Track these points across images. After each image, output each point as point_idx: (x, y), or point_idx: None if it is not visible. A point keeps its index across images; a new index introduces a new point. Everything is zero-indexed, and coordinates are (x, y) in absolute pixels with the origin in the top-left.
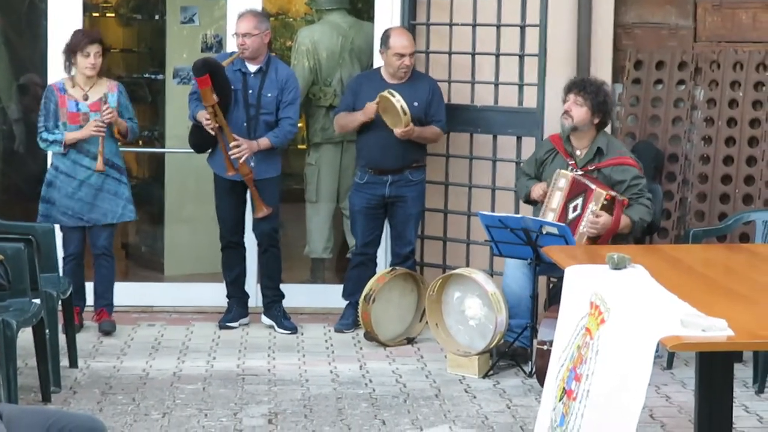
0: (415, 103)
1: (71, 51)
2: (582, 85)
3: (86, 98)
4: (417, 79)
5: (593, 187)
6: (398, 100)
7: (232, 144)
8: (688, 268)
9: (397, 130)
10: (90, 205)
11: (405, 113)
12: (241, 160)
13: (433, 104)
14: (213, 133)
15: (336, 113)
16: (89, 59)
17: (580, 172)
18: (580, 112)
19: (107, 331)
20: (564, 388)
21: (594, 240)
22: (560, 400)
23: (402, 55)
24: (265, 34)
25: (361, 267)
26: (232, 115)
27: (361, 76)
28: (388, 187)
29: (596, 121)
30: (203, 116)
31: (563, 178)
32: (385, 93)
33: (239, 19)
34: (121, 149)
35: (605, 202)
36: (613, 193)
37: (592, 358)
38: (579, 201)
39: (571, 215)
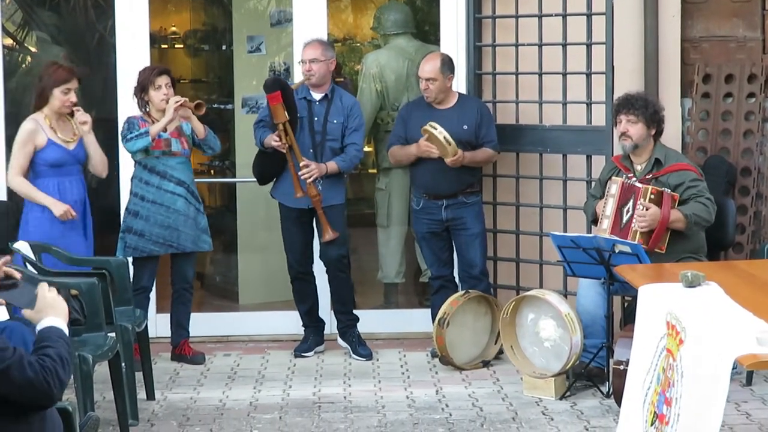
0: (465, 127)
1: (142, 88)
2: (629, 103)
3: (165, 130)
4: (464, 103)
5: (640, 186)
6: (440, 132)
7: (302, 164)
8: (763, 284)
9: (447, 160)
10: (178, 231)
11: (450, 143)
12: (309, 181)
13: (483, 126)
14: (283, 151)
15: (389, 145)
16: (161, 91)
17: (635, 180)
18: (636, 129)
19: (200, 362)
20: (655, 413)
21: (648, 236)
22: (652, 425)
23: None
24: (330, 61)
25: (442, 291)
26: (299, 142)
27: (409, 104)
28: (445, 211)
29: (652, 132)
30: (272, 138)
31: (614, 185)
32: (428, 126)
33: (306, 46)
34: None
35: (652, 196)
36: (660, 188)
37: (679, 381)
38: (630, 204)
39: (624, 219)
